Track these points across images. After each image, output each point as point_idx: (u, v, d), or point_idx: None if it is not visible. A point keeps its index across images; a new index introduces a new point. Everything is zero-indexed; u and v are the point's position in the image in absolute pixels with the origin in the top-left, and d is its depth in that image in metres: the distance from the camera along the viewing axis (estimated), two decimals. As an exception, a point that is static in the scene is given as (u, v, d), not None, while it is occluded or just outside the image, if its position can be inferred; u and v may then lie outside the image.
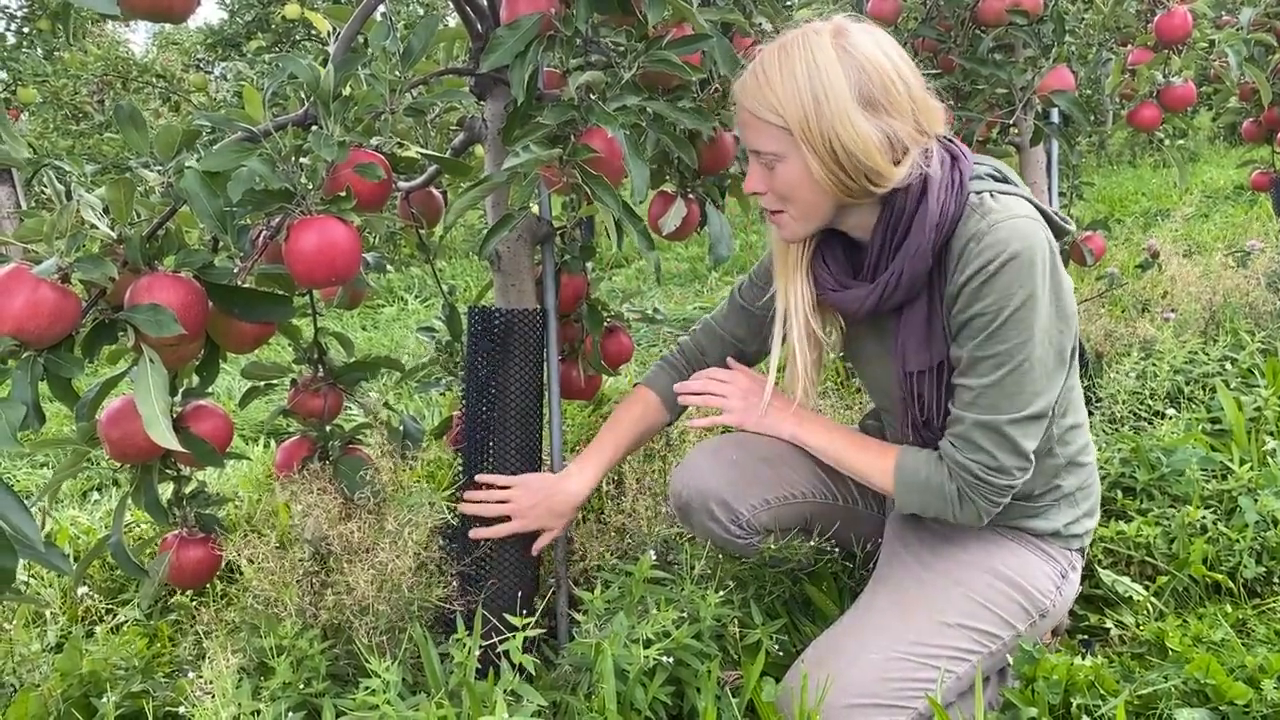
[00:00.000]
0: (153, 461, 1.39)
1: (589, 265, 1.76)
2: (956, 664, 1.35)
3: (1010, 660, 1.43)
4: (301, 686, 1.34)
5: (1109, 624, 1.66)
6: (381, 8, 1.46)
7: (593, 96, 1.30)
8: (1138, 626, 1.65)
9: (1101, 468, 1.96)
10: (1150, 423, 2.30)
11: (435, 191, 1.90)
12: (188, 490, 1.51)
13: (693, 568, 1.51)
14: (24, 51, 5.99)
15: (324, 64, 1.29)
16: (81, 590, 1.89)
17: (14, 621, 1.74)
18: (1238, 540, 1.76)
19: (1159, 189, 6.70)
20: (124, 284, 1.21)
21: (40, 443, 1.67)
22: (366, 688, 1.25)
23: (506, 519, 1.49)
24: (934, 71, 2.39)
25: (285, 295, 1.37)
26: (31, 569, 2.01)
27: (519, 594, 1.52)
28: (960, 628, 1.36)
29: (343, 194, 1.24)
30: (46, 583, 2.01)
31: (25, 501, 1.10)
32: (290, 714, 1.29)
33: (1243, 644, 1.54)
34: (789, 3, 2.14)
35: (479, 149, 1.91)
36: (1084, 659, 1.46)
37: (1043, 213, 1.32)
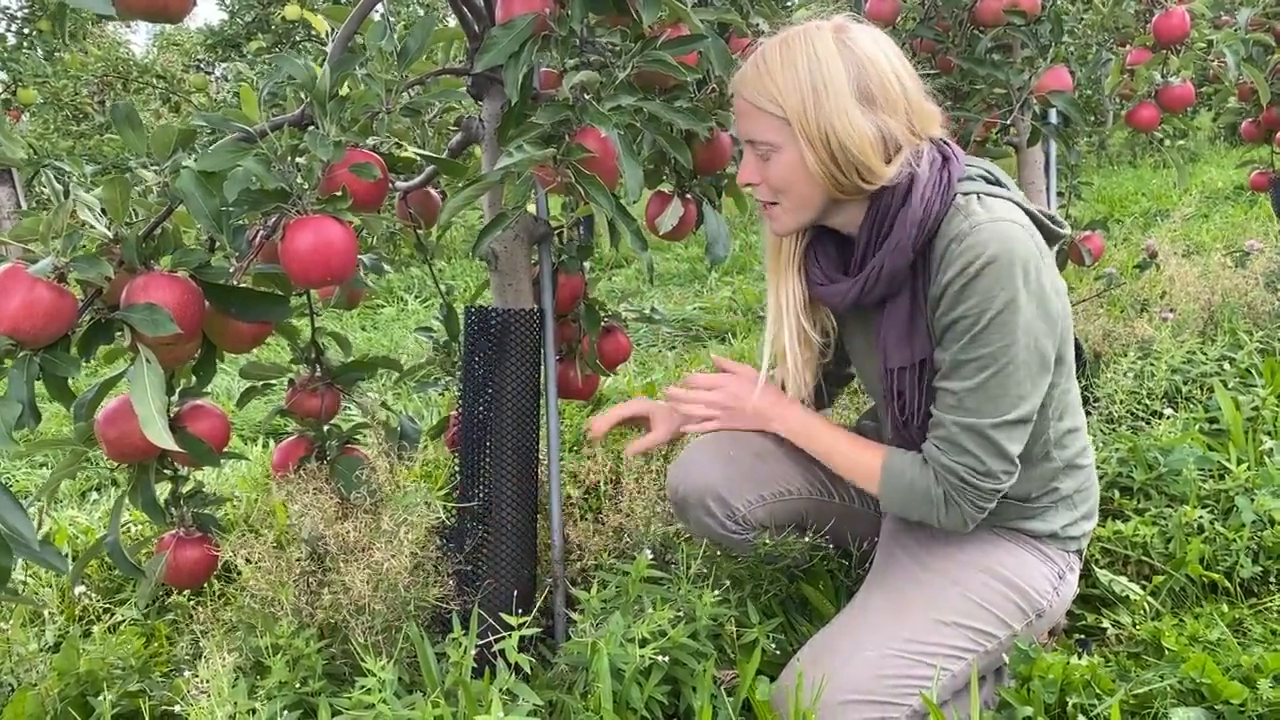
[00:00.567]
0: (150, 461, 1.40)
1: (587, 265, 1.76)
2: (952, 662, 1.35)
3: (1006, 659, 1.43)
4: (297, 685, 1.34)
5: (1105, 623, 1.66)
6: (379, 8, 1.46)
7: (587, 96, 1.30)
8: (1134, 626, 1.65)
9: (1099, 467, 1.96)
10: (1148, 422, 2.30)
11: (433, 192, 1.90)
12: (185, 490, 1.51)
13: (689, 567, 1.51)
14: (24, 52, 5.99)
15: (322, 64, 1.29)
16: (79, 590, 1.89)
17: (11, 621, 1.74)
18: (1234, 540, 1.76)
19: (1158, 189, 6.70)
20: (120, 283, 1.21)
21: (38, 443, 1.67)
22: (362, 687, 1.25)
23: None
24: (932, 72, 2.40)
25: (282, 295, 1.37)
26: (29, 569, 2.01)
27: (515, 593, 1.53)
28: (956, 626, 1.36)
29: (339, 194, 1.25)
30: (44, 582, 2.01)
31: (23, 501, 1.10)
32: (286, 713, 1.29)
33: (1239, 643, 1.54)
34: (787, 3, 2.14)
35: (477, 149, 1.91)
36: (1080, 658, 1.46)
37: (1034, 216, 1.32)
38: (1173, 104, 2.58)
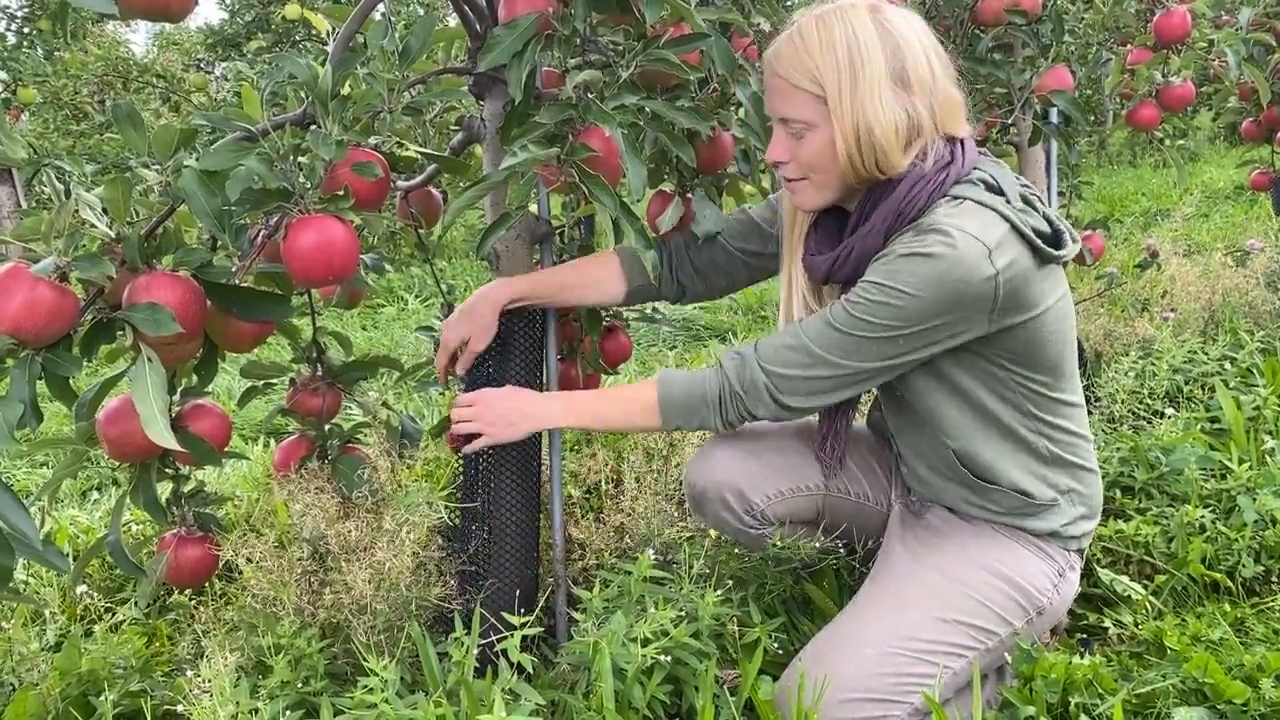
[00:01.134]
0: (151, 460, 1.40)
1: (588, 265, 1.76)
2: (953, 660, 1.35)
3: (1008, 659, 1.43)
4: (299, 685, 1.34)
5: (1107, 623, 1.66)
6: (380, 7, 1.46)
7: (590, 96, 1.30)
8: (1136, 625, 1.65)
9: (1100, 467, 1.95)
10: (1149, 422, 2.30)
11: (434, 191, 1.90)
12: (186, 489, 1.51)
13: (691, 567, 1.51)
14: (24, 52, 5.99)
15: (323, 64, 1.29)
16: (80, 589, 1.89)
17: (13, 620, 1.74)
18: (1236, 539, 1.76)
19: (1159, 189, 6.70)
20: (122, 283, 1.21)
21: (39, 442, 1.67)
22: (364, 686, 1.25)
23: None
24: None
25: (283, 294, 1.37)
26: (30, 568, 2.01)
27: (517, 593, 1.52)
28: (956, 624, 1.36)
29: (340, 193, 1.25)
30: (45, 582, 2.01)
31: (24, 501, 1.10)
32: (288, 712, 1.29)
33: (1241, 643, 1.54)
34: (788, 2, 2.14)
35: (478, 148, 1.91)
36: (1082, 658, 1.46)
37: (1024, 235, 1.27)
38: (1173, 103, 2.58)
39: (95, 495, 2.80)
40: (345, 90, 1.30)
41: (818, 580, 1.70)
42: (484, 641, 1.44)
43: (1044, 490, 1.42)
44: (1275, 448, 2.12)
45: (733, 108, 1.62)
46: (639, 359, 3.85)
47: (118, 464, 1.49)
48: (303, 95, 1.32)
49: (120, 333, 1.21)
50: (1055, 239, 1.32)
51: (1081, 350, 2.30)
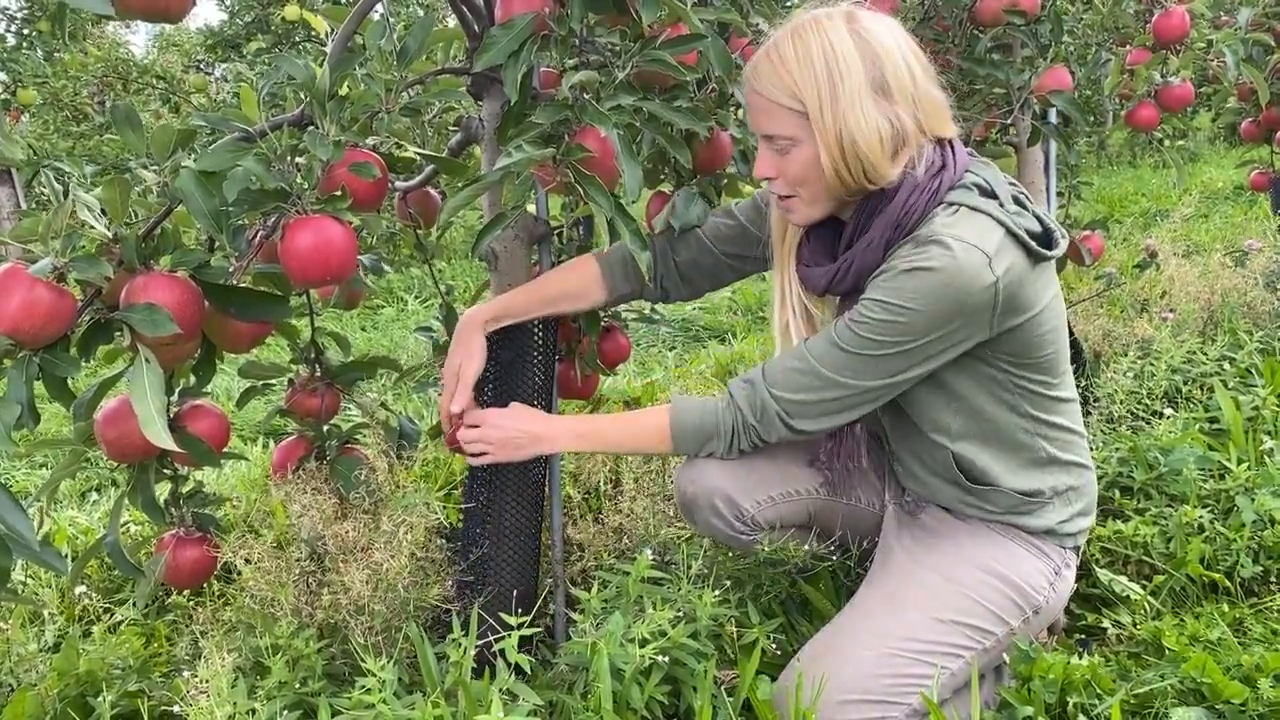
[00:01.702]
0: (149, 461, 1.40)
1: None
2: (951, 660, 1.35)
3: (1006, 659, 1.43)
4: (297, 686, 1.34)
5: (1106, 623, 1.66)
6: (379, 8, 1.46)
7: (587, 96, 1.30)
8: (1135, 625, 1.64)
9: (1099, 467, 1.96)
10: (1148, 422, 2.30)
11: (432, 192, 1.90)
12: (185, 490, 1.51)
13: (690, 567, 1.51)
14: (24, 53, 5.99)
15: (321, 64, 1.29)
16: (79, 590, 1.89)
17: (11, 621, 1.74)
18: (1235, 539, 1.76)
19: (1158, 189, 6.70)
20: (120, 283, 1.21)
21: (38, 443, 1.67)
22: (362, 687, 1.25)
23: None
24: (932, 71, 2.39)
25: (281, 295, 1.37)
26: (29, 569, 2.01)
27: (516, 593, 1.52)
28: (953, 623, 1.36)
29: (338, 194, 1.25)
30: (44, 583, 2.01)
31: (23, 502, 1.10)
32: (286, 713, 1.29)
33: (1239, 643, 1.54)
34: (786, 2, 2.14)
35: (476, 149, 1.91)
36: (1081, 658, 1.46)
37: (1017, 236, 1.27)
38: (1172, 104, 2.59)
39: (94, 496, 2.80)
40: (343, 91, 1.31)
41: (814, 581, 1.70)
42: (482, 642, 1.44)
43: (1040, 489, 1.42)
44: (1274, 448, 2.12)
45: (731, 108, 1.63)
46: (637, 359, 3.85)
47: (116, 465, 1.48)
48: (301, 96, 1.32)
49: (118, 333, 1.21)
50: (1046, 238, 1.33)
51: (1081, 350, 2.30)
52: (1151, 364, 2.47)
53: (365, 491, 1.52)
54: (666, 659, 1.34)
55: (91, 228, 1.20)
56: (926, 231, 1.27)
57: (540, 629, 1.52)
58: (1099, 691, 1.40)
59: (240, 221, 1.24)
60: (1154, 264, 3.09)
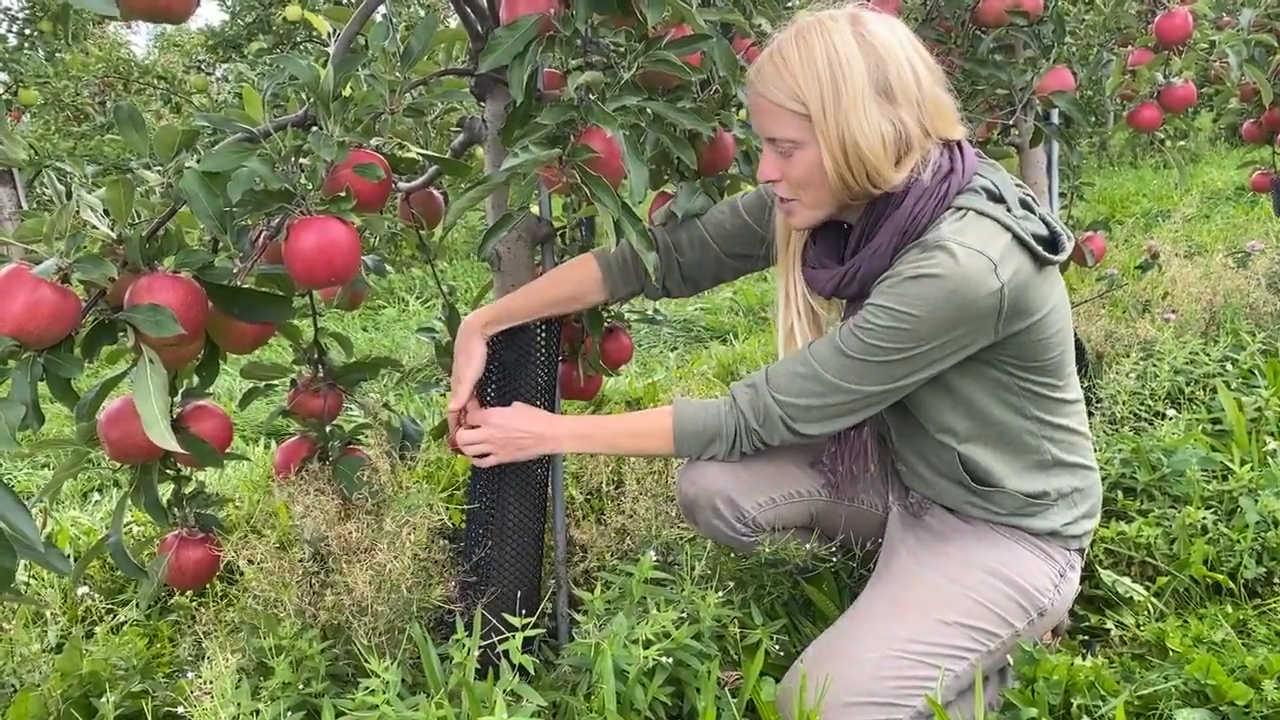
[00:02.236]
0: (152, 462, 1.39)
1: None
2: (955, 662, 1.35)
3: (1010, 660, 1.43)
4: (301, 687, 1.34)
5: (1109, 624, 1.65)
6: (382, 9, 1.46)
7: (592, 97, 1.30)
8: (1138, 627, 1.64)
9: (1102, 468, 1.96)
10: (1151, 423, 2.30)
11: (435, 192, 1.90)
12: (187, 490, 1.51)
13: (693, 568, 1.51)
14: (26, 53, 5.99)
15: (324, 65, 1.29)
16: (81, 590, 1.89)
17: (14, 622, 1.74)
18: (1238, 541, 1.75)
19: (1160, 190, 6.69)
20: (124, 284, 1.21)
21: (41, 443, 1.67)
22: (366, 688, 1.25)
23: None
24: (934, 72, 2.39)
25: (285, 296, 1.37)
26: (32, 569, 2.01)
27: (519, 594, 1.52)
28: (958, 626, 1.36)
29: (342, 194, 1.25)
30: (47, 583, 2.01)
31: (26, 502, 1.10)
32: (289, 714, 1.29)
33: (1243, 644, 1.54)
34: (789, 3, 2.14)
35: (479, 150, 1.91)
36: (1084, 659, 1.46)
37: (1024, 241, 1.27)
38: (1175, 105, 2.58)
39: (96, 496, 2.80)
40: (347, 92, 1.30)
41: (817, 582, 1.70)
42: (485, 643, 1.44)
43: (1046, 491, 1.42)
44: (1277, 449, 2.12)
45: (734, 109, 1.63)
46: (640, 360, 3.85)
47: (119, 465, 1.49)
48: (304, 96, 1.32)
49: (122, 334, 1.21)
50: (1052, 241, 1.32)
51: (1083, 351, 2.30)
52: (1154, 365, 2.47)
53: (368, 492, 1.52)
54: (670, 660, 1.34)
55: (95, 228, 1.20)
56: (933, 237, 1.26)
57: (543, 630, 1.52)
58: (1103, 693, 1.39)
59: (244, 222, 1.24)
60: (1156, 265, 3.09)
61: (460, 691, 1.32)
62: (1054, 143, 2.38)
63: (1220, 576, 1.72)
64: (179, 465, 1.46)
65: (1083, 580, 1.64)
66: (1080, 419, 1.46)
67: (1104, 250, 2.56)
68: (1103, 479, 1.92)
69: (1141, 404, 2.36)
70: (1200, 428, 2.24)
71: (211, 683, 1.25)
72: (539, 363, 1.55)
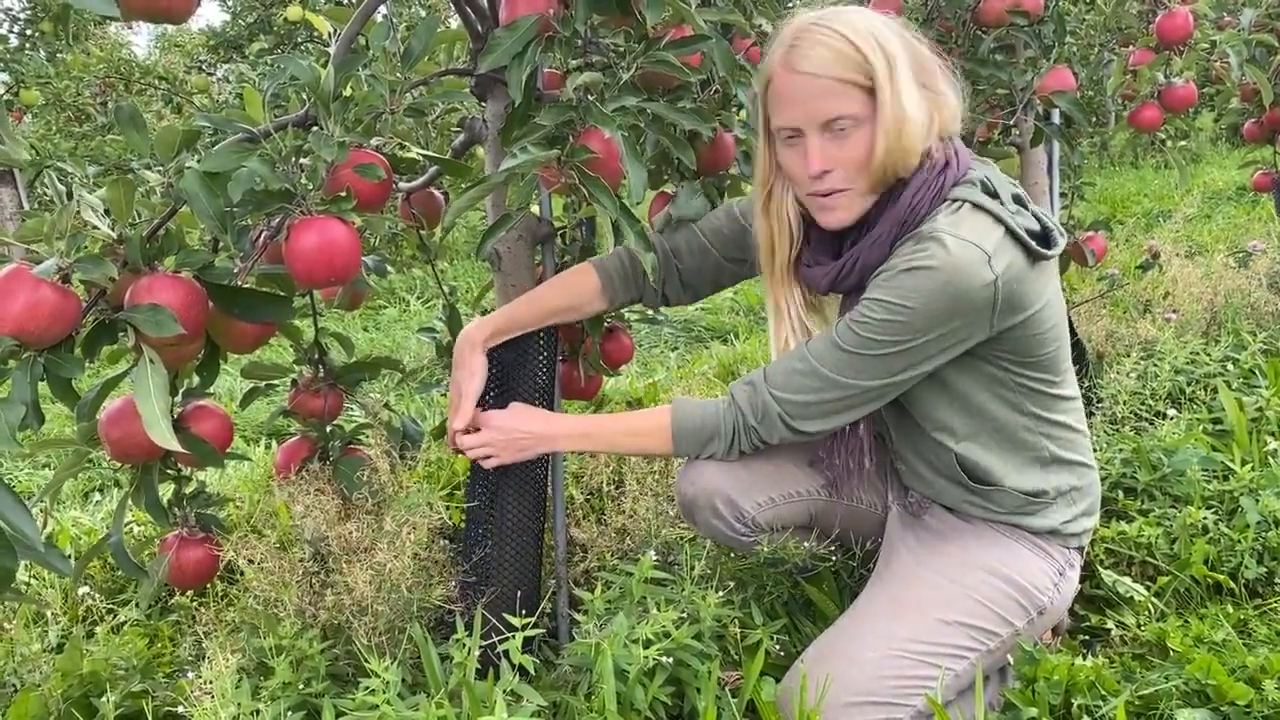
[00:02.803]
0: (153, 462, 1.40)
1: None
2: (955, 662, 1.35)
3: (1011, 660, 1.43)
4: (301, 686, 1.34)
5: (1110, 624, 1.65)
6: (382, 9, 1.46)
7: (591, 97, 1.30)
8: (1139, 627, 1.64)
9: (1102, 468, 1.96)
10: (1151, 423, 2.30)
11: (436, 192, 1.90)
12: (188, 490, 1.51)
13: (693, 568, 1.51)
14: (27, 53, 5.99)
15: (325, 65, 1.29)
16: (82, 590, 1.89)
17: (15, 622, 1.74)
18: (1239, 541, 1.75)
19: (1161, 190, 6.69)
20: (124, 284, 1.21)
21: (41, 443, 1.67)
22: (366, 688, 1.25)
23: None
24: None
25: (285, 295, 1.37)
26: (32, 569, 2.01)
27: (519, 594, 1.52)
28: (958, 625, 1.36)
29: (343, 194, 1.25)
30: (47, 583, 2.01)
31: (26, 502, 1.10)
32: (290, 714, 1.29)
33: (1244, 644, 1.54)
34: (790, 4, 2.14)
35: (480, 150, 1.91)
36: (1085, 659, 1.46)
37: (1018, 236, 1.27)
38: (1176, 105, 2.58)
39: (97, 496, 2.80)
40: (347, 92, 1.31)
41: (817, 582, 1.70)
42: (485, 643, 1.44)
43: (1044, 489, 1.42)
44: (1278, 449, 2.12)
45: (734, 109, 1.63)
46: (640, 360, 3.85)
47: (119, 465, 1.49)
48: (305, 97, 1.32)
49: (122, 334, 1.21)
50: (1045, 237, 1.32)
51: (1084, 351, 2.30)
52: (1155, 365, 2.47)
53: (368, 492, 1.52)
54: (670, 660, 1.34)
55: (96, 228, 1.20)
56: (928, 228, 1.27)
57: (543, 630, 1.52)
58: (1103, 693, 1.39)
59: (245, 222, 1.24)
60: (1157, 265, 3.09)
61: (460, 691, 1.32)
62: (1055, 143, 2.38)
63: (1221, 576, 1.72)
64: (180, 465, 1.46)
65: (1083, 580, 1.64)
66: (1078, 416, 1.46)
67: (1105, 250, 2.56)
68: (1103, 479, 1.93)
69: (1142, 404, 2.36)
70: (1201, 428, 2.24)
71: (212, 682, 1.25)
72: (539, 362, 1.56)
